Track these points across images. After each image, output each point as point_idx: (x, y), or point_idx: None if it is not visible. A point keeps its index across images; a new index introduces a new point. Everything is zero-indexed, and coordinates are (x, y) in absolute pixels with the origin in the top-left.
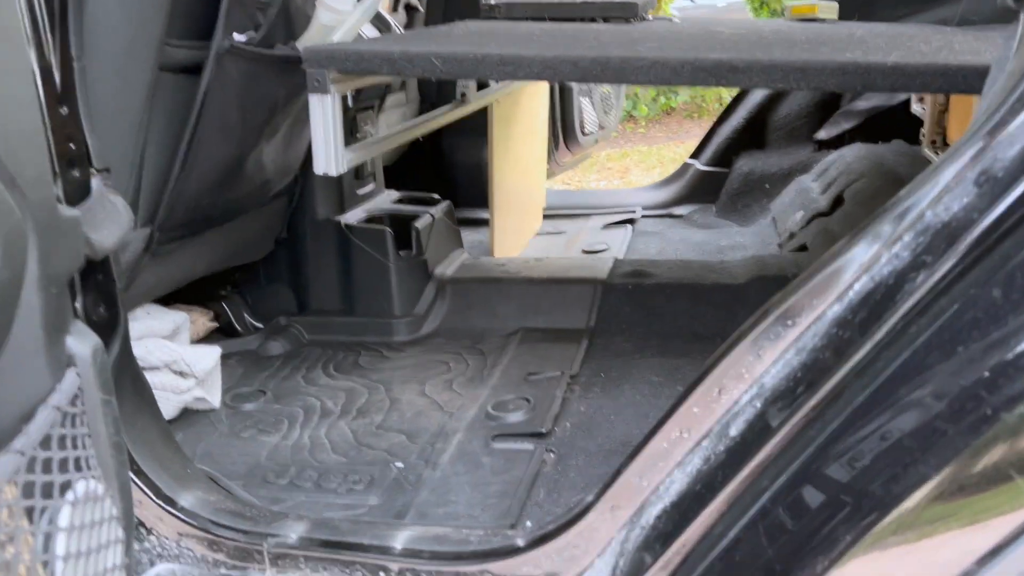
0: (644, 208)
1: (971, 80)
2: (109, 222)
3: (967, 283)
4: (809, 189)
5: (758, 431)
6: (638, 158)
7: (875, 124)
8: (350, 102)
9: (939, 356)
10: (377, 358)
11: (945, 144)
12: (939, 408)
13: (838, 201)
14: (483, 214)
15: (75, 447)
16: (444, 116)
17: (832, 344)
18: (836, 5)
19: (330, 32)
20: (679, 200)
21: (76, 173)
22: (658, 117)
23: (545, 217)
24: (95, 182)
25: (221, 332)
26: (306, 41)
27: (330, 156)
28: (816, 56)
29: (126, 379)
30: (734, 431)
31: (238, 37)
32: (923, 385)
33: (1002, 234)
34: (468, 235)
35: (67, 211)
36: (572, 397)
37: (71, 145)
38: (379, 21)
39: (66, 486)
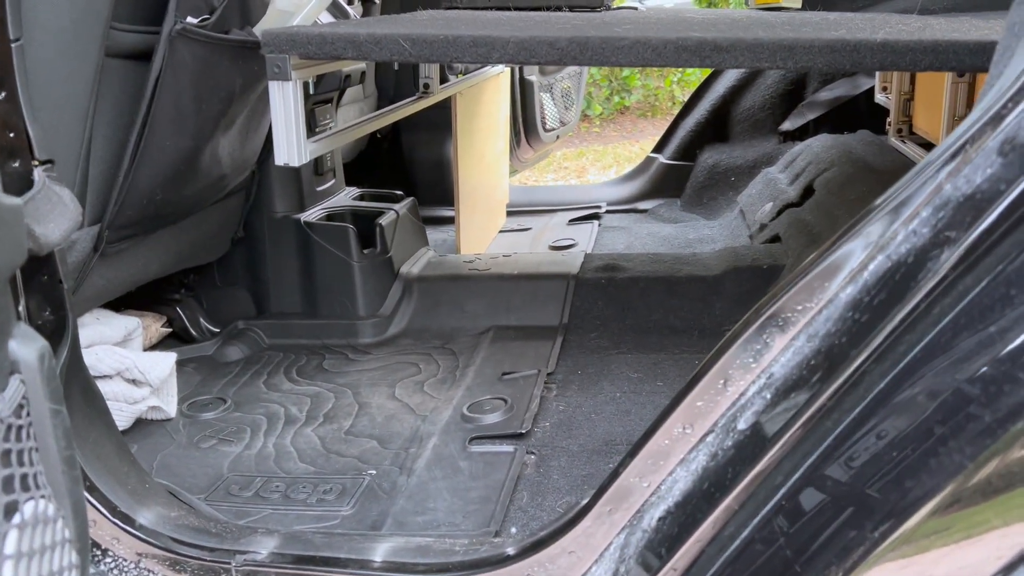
0: (608, 203)
1: (961, 56)
2: (55, 215)
3: (995, 258)
4: (777, 180)
5: (769, 424)
6: (594, 157)
7: (839, 114)
8: (311, 89)
9: (967, 337)
10: (342, 361)
11: (912, 132)
12: (972, 392)
13: (808, 191)
14: (445, 212)
15: (21, 463)
16: (409, 107)
17: (847, 329)
18: None
19: (287, 18)
20: (643, 195)
21: (16, 164)
22: (612, 116)
23: (508, 213)
24: (38, 173)
25: (175, 338)
26: (263, 27)
27: (292, 146)
28: (801, 35)
29: (76, 389)
30: (743, 424)
31: (191, 20)
32: (951, 368)
33: None
34: (431, 233)
35: (6, 199)
36: (549, 396)
37: (10, 134)
38: (336, 9)
39: (12, 508)
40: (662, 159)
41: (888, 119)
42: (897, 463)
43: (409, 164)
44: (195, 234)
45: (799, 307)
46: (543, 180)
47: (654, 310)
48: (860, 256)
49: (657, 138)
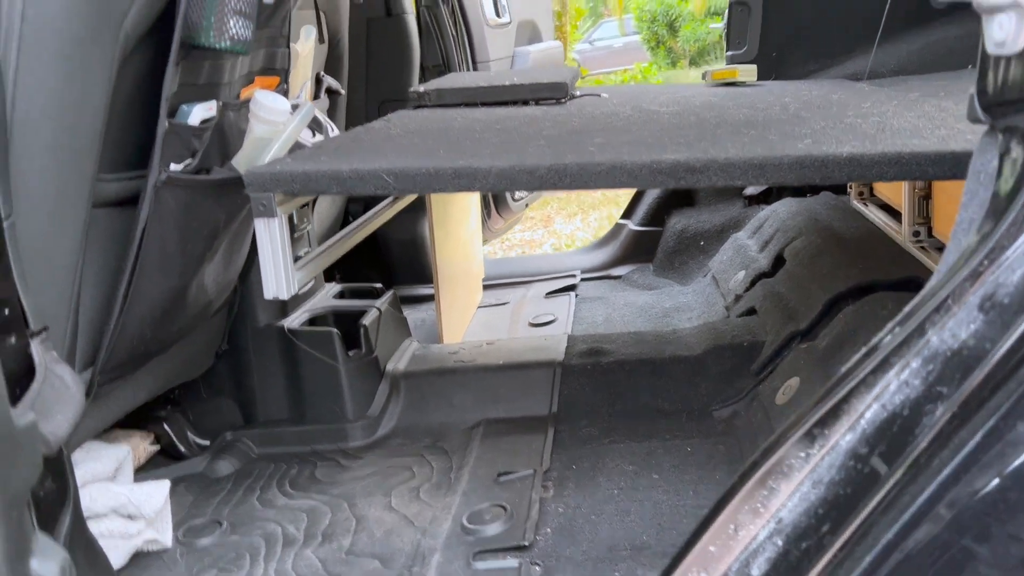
0: (582, 271)
1: (924, 167)
2: (60, 404)
3: (987, 412)
4: (746, 247)
5: (783, 572)
6: (558, 206)
7: None
8: (295, 219)
9: (968, 493)
10: (334, 468)
11: (872, 194)
12: (977, 551)
13: (779, 260)
14: (421, 291)
15: None
16: (388, 210)
17: (851, 477)
18: (755, 67)
19: (266, 144)
20: (616, 261)
21: (12, 340)
22: None
23: (484, 287)
24: (35, 350)
25: (163, 454)
26: (243, 158)
27: (280, 280)
28: (771, 151)
29: (79, 552)
30: (756, 571)
31: (175, 167)
32: (955, 523)
33: (1018, 362)
34: (409, 314)
35: (21, 417)
36: (548, 497)
37: (5, 310)
38: (314, 124)
39: None
40: (631, 226)
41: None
42: None
43: (383, 245)
44: (181, 356)
45: (802, 453)
46: (511, 232)
47: (641, 393)
48: (857, 404)
49: None
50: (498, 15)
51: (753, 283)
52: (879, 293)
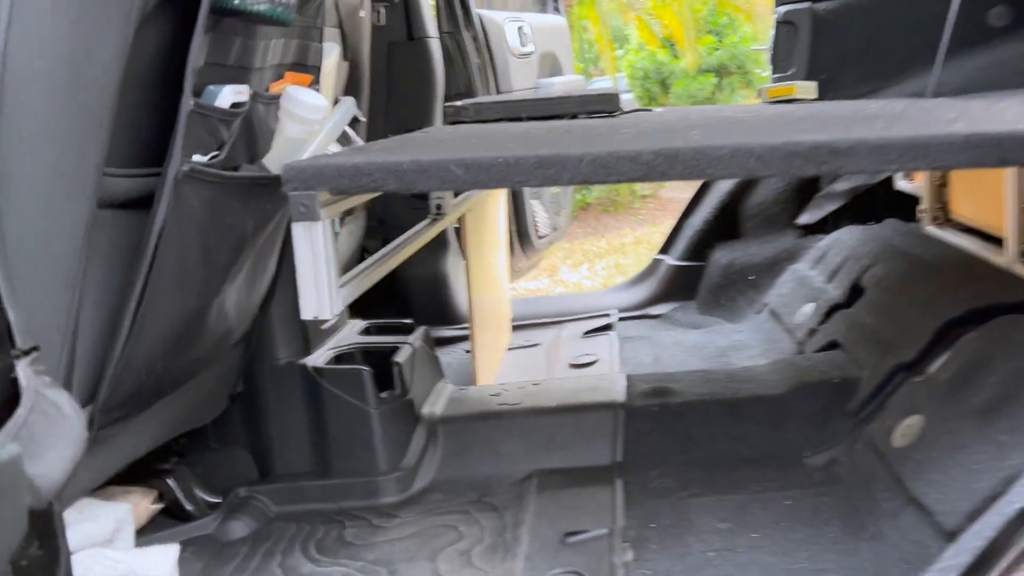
0: (619, 310)
1: None
2: (54, 437)
3: None
4: (809, 278)
5: None
6: (563, 255)
7: (859, 204)
8: (337, 226)
9: None
10: (366, 529)
11: (948, 220)
12: None
13: (855, 290)
14: (444, 332)
15: None
16: (426, 234)
17: None
18: (814, 84)
19: (299, 147)
20: (654, 299)
21: None
22: (575, 213)
23: (513, 328)
24: (21, 372)
25: (167, 513)
26: (273, 160)
27: (322, 297)
28: (919, 130)
29: None
30: None
31: (198, 158)
32: None
33: None
34: None
35: (3, 449)
36: (629, 561)
37: None
38: (343, 136)
39: None
40: (670, 260)
41: (919, 207)
42: None
43: (403, 283)
44: (191, 397)
45: None
46: (518, 283)
47: (718, 439)
48: None
49: (621, 232)
50: (522, 44)
51: (828, 315)
52: (1006, 317)
